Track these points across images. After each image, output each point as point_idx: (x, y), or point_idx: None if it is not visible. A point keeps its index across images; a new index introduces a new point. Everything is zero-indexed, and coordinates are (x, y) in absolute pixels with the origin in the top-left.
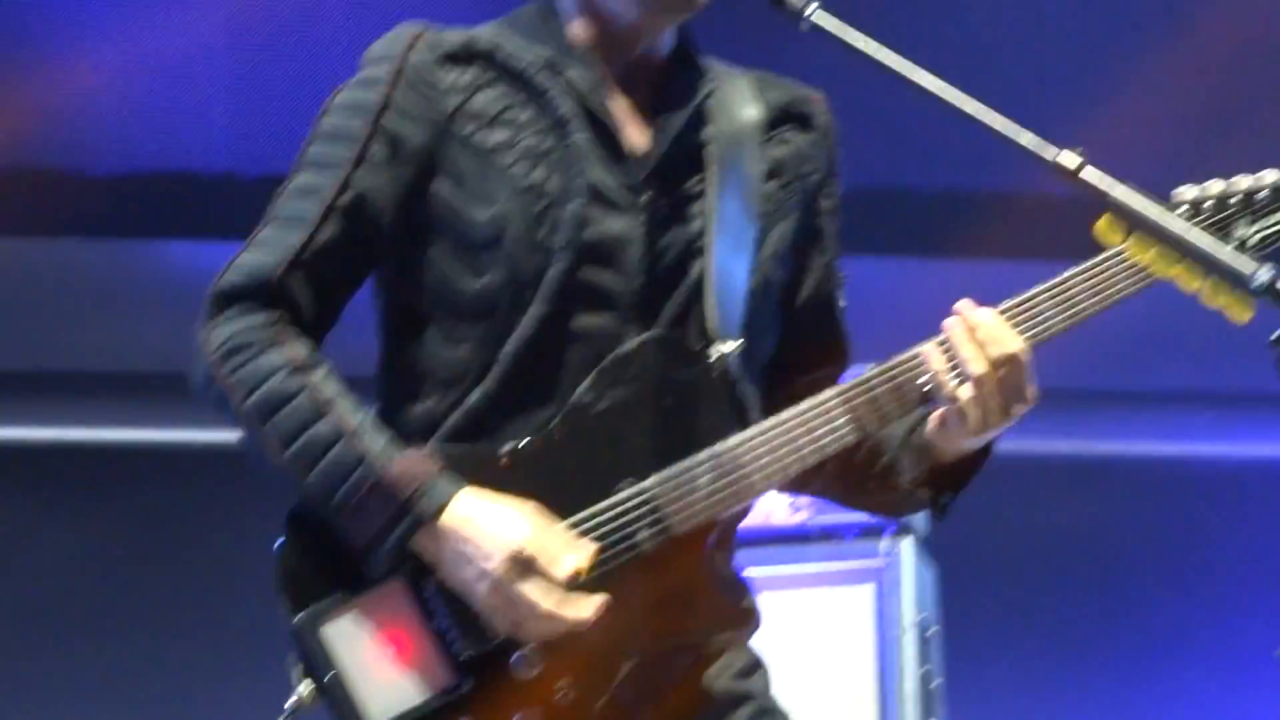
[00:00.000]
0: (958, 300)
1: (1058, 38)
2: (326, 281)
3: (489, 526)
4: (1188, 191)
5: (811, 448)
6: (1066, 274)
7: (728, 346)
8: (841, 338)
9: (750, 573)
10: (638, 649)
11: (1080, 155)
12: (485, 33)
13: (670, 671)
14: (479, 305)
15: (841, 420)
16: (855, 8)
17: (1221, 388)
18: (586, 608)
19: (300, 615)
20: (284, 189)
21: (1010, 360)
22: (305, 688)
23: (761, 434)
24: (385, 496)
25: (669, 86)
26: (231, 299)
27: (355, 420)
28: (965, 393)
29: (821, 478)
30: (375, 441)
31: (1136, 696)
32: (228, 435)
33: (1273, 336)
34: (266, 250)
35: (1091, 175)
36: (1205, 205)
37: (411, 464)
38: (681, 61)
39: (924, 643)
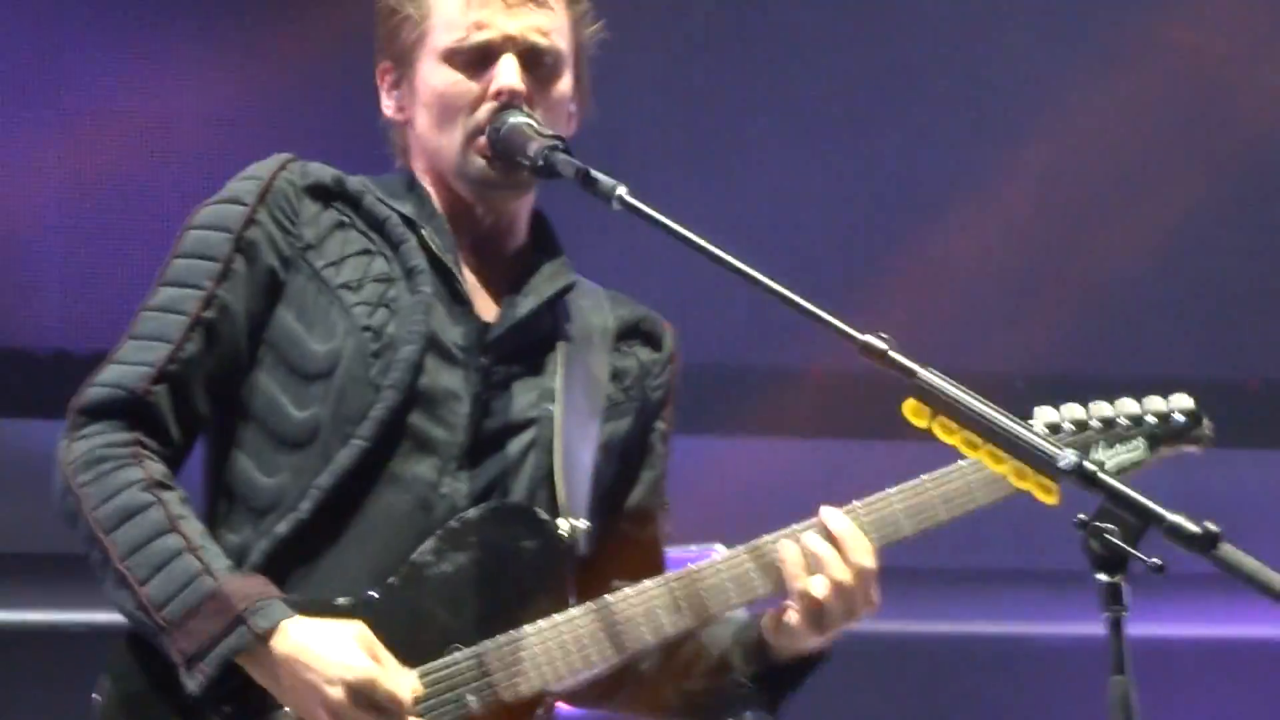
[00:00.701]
0: (778, 477)
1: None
2: (188, 397)
3: (327, 653)
4: (1046, 413)
5: (648, 626)
6: (922, 478)
7: (579, 524)
8: (660, 553)
9: None
10: None
11: (884, 339)
12: (355, 179)
13: None
14: (300, 435)
15: (683, 603)
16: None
17: (1048, 566)
18: None
19: None
20: (145, 304)
21: (860, 569)
22: None
23: (598, 610)
24: (221, 607)
25: (525, 272)
26: (93, 413)
27: (201, 540)
28: (817, 593)
29: (646, 678)
30: (218, 560)
31: None
32: (45, 615)
33: (1076, 518)
34: (129, 365)
35: (898, 357)
36: (1063, 427)
37: (251, 583)
38: (542, 253)
39: None
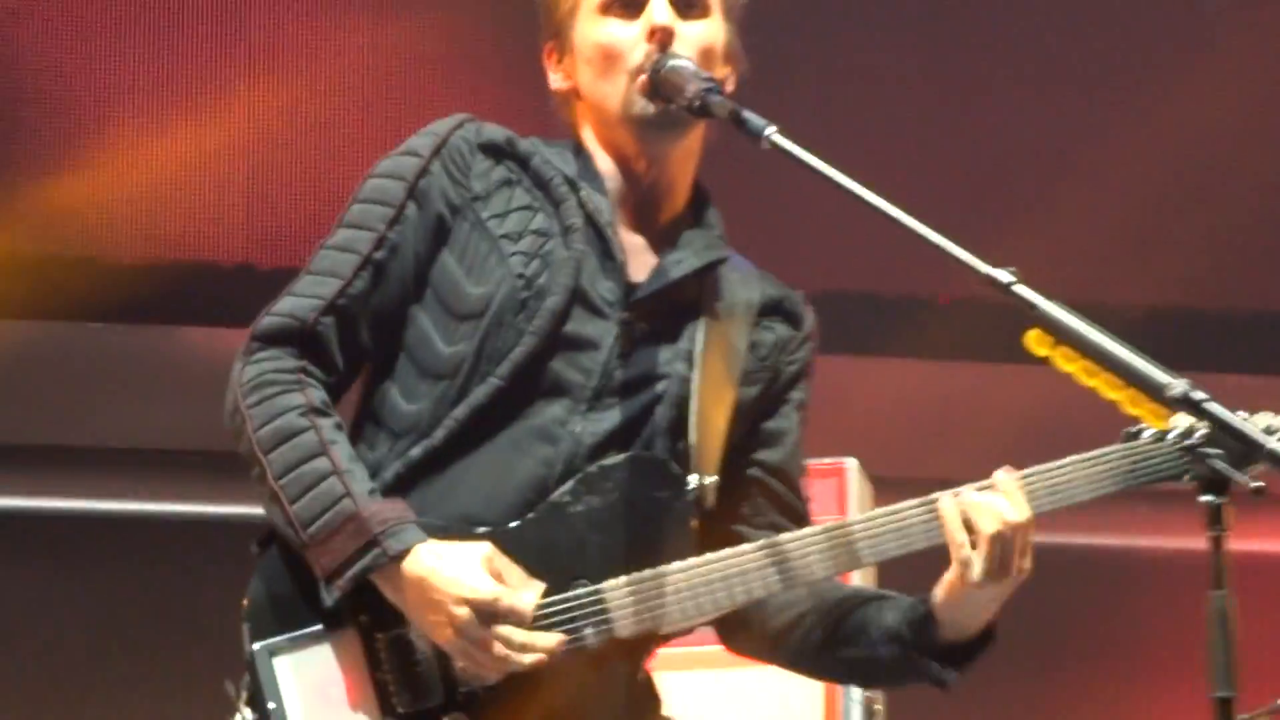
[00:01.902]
0: (909, 396)
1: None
2: (354, 330)
3: (453, 574)
4: (1265, 418)
5: (778, 576)
6: (1094, 453)
7: (707, 479)
8: (806, 511)
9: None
10: None
11: (1012, 273)
12: (525, 140)
13: None
14: (443, 368)
15: (816, 556)
16: (808, 130)
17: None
18: (541, 650)
19: (257, 645)
20: (324, 242)
21: (1014, 524)
22: (249, 713)
23: (723, 560)
24: (359, 529)
25: (682, 238)
26: (268, 340)
27: (348, 464)
28: (974, 545)
29: (810, 644)
30: (362, 484)
31: None
32: (235, 509)
33: (1184, 444)
34: (304, 298)
35: (1022, 290)
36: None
37: (388, 507)
38: (699, 223)
39: (869, 712)
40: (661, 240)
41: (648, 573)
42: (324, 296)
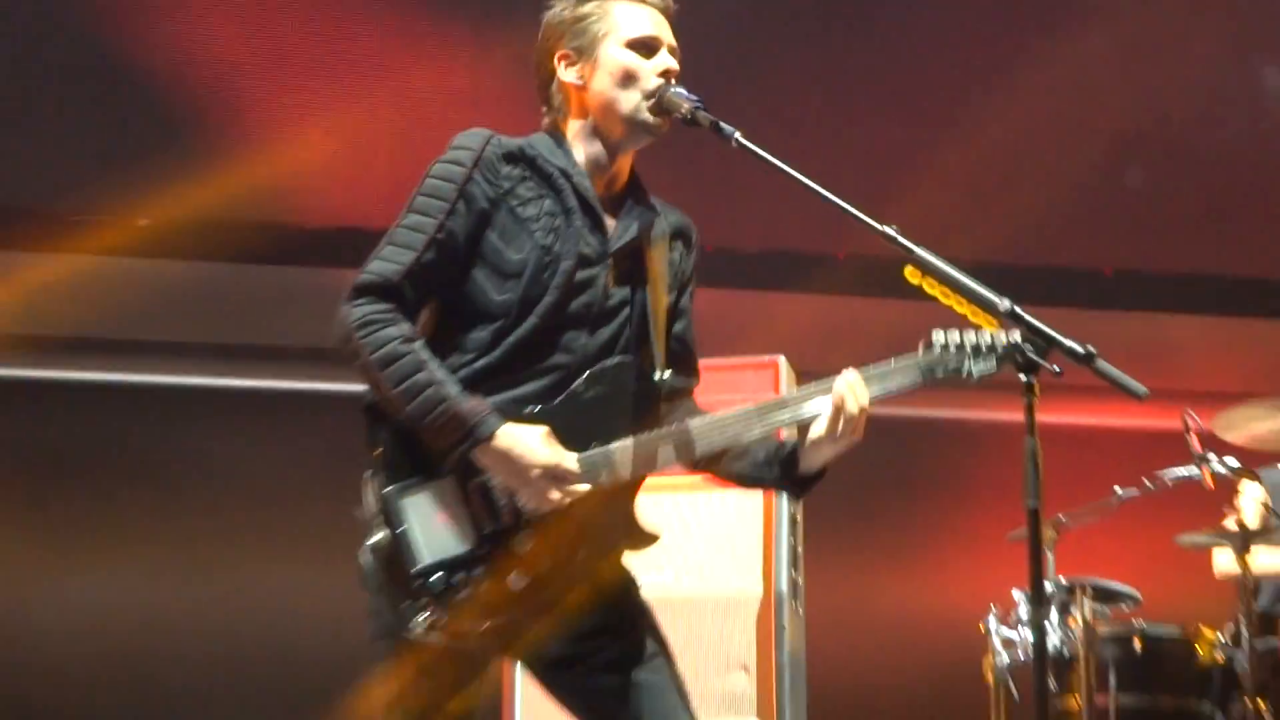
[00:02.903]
0: (820, 318)
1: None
2: (424, 288)
3: (525, 450)
4: (938, 335)
5: (721, 437)
6: (891, 360)
7: (666, 374)
8: (697, 363)
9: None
10: (586, 544)
11: (896, 229)
12: (526, 144)
13: (600, 559)
14: (497, 310)
15: (757, 424)
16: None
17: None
18: (578, 494)
19: (391, 488)
20: (399, 222)
21: (861, 407)
22: (384, 535)
23: (683, 426)
24: (457, 423)
25: (630, 204)
26: (366, 290)
27: (441, 375)
28: (836, 422)
29: (723, 464)
30: (453, 389)
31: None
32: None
33: (1010, 339)
34: (389, 262)
35: (904, 240)
36: (949, 345)
37: (475, 404)
38: (636, 192)
39: (794, 523)
40: (616, 206)
41: (634, 437)
42: (403, 263)
